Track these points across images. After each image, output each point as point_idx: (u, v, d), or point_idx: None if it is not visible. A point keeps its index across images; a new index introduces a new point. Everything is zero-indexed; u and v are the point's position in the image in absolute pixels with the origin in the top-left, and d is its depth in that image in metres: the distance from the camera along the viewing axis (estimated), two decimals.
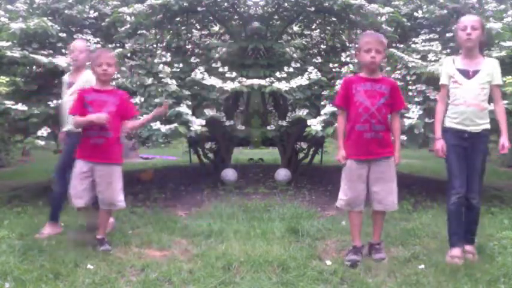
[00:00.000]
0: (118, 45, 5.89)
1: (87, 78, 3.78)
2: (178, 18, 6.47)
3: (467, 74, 3.16)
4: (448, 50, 5.31)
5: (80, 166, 3.38)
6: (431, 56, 5.25)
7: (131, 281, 2.79)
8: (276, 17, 6.52)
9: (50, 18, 5.78)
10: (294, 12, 6.28)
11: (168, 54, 5.75)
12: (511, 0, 6.32)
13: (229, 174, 5.97)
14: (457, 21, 3.29)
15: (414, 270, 2.93)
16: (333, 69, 5.75)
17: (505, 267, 2.93)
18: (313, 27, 6.99)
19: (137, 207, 4.82)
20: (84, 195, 3.38)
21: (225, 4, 6.06)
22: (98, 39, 5.82)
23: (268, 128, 5.98)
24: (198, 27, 6.87)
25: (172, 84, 5.26)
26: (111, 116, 3.33)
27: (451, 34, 5.59)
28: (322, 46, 6.91)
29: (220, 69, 5.71)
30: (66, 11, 6.08)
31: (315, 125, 4.94)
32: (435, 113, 3.31)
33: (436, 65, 4.83)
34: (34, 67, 5.53)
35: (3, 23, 5.55)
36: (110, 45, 5.79)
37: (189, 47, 6.60)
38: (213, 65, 5.89)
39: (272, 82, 5.47)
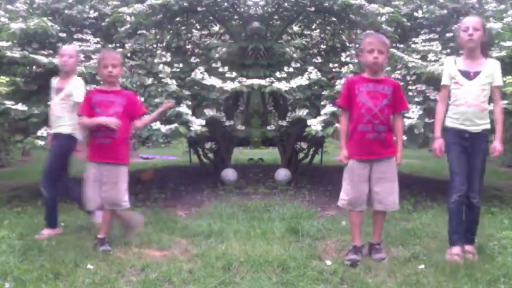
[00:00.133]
0: (118, 45, 5.89)
1: (76, 84, 3.81)
2: (178, 18, 6.47)
3: (468, 75, 3.17)
4: (448, 50, 5.31)
5: (92, 169, 3.41)
6: (431, 56, 5.25)
7: (131, 281, 2.78)
8: (276, 17, 6.52)
9: (50, 18, 5.78)
10: (294, 12, 6.28)
11: (168, 54, 5.75)
12: (511, 0, 6.31)
13: (229, 174, 5.97)
14: (458, 22, 3.31)
15: (414, 270, 2.93)
16: (333, 69, 5.75)
17: (505, 267, 2.93)
18: (313, 27, 6.99)
19: (137, 207, 4.82)
20: (98, 199, 3.40)
21: (225, 4, 6.06)
22: (98, 39, 5.82)
23: (268, 128, 5.98)
24: (198, 27, 6.87)
25: (172, 84, 5.26)
26: (118, 116, 3.36)
27: (451, 34, 5.59)
28: (322, 46, 6.91)
29: (220, 69, 5.71)
30: (66, 11, 6.08)
31: (315, 125, 4.94)
32: (435, 113, 3.33)
33: (436, 65, 4.83)
34: (34, 67, 5.53)
35: (3, 23, 5.55)
36: (110, 45, 5.80)
37: (189, 47, 6.60)
38: (213, 65, 5.89)
39: (272, 82, 5.48)
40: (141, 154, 11.14)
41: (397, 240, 3.59)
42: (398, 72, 5.27)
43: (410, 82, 5.14)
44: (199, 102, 5.61)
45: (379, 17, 5.70)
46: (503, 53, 4.83)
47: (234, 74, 5.62)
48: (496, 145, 3.16)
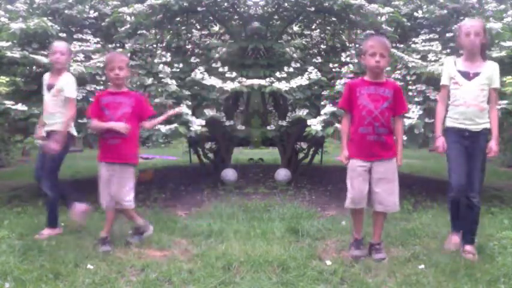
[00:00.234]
0: (118, 45, 5.89)
1: (67, 80, 3.81)
2: (178, 18, 6.47)
3: (467, 76, 3.21)
4: (448, 50, 5.31)
5: (103, 171, 3.47)
6: (431, 56, 5.25)
7: (131, 281, 2.78)
8: (276, 17, 6.52)
9: (50, 18, 5.77)
10: (294, 12, 6.28)
11: (168, 54, 5.75)
12: (511, 0, 6.31)
13: (229, 174, 5.96)
14: (458, 22, 3.34)
15: (414, 270, 2.93)
16: (333, 69, 5.75)
17: (505, 267, 2.94)
18: (313, 27, 6.98)
19: (137, 207, 4.78)
20: (109, 200, 3.44)
21: (225, 4, 6.06)
22: (98, 39, 5.82)
23: (268, 128, 5.98)
24: (198, 27, 6.86)
25: (172, 84, 5.26)
26: (127, 117, 3.42)
27: (451, 34, 5.59)
28: (322, 46, 6.91)
29: (220, 69, 5.71)
30: (66, 11, 6.08)
31: (315, 125, 4.94)
32: (436, 113, 3.38)
33: (436, 65, 4.84)
34: (34, 67, 5.53)
35: (3, 23, 5.55)
36: (110, 45, 5.80)
37: (189, 47, 6.60)
38: (213, 65, 5.89)
39: (272, 82, 5.47)
40: (141, 154, 11.12)
41: (397, 240, 3.59)
42: (398, 72, 5.27)
43: (410, 82, 5.14)
44: (199, 102, 5.62)
45: (379, 17, 5.70)
46: (503, 53, 4.84)
47: (234, 74, 5.62)
48: (492, 146, 3.19)
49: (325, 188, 5.91)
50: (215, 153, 7.00)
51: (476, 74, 3.20)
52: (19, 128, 5.19)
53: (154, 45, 6.24)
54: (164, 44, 6.44)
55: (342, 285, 2.76)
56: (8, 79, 4.90)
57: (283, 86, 5.36)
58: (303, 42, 6.75)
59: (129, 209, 3.52)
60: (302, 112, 5.44)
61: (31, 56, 5.01)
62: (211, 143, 7.01)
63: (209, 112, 5.46)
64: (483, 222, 3.92)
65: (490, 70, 3.21)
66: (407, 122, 4.64)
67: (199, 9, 5.98)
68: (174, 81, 5.33)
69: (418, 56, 5.33)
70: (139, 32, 5.83)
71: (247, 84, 5.46)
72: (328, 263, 3.06)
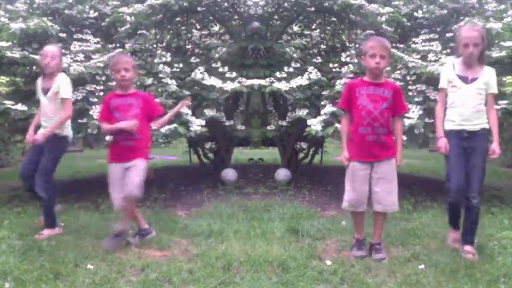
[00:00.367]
0: (118, 45, 5.89)
1: (62, 81, 3.81)
2: (178, 18, 6.47)
3: (466, 80, 3.27)
4: (448, 50, 5.31)
5: (114, 170, 3.48)
6: (431, 56, 5.25)
7: (131, 281, 2.79)
8: (276, 17, 6.52)
9: (50, 18, 5.77)
10: (294, 12, 6.28)
11: (168, 54, 5.75)
12: (511, 0, 6.31)
13: (229, 174, 5.96)
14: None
15: (414, 270, 2.94)
16: (333, 69, 5.75)
17: (505, 267, 2.94)
18: (313, 27, 6.98)
19: (137, 207, 4.80)
20: (122, 199, 3.43)
21: (225, 4, 6.06)
22: (98, 39, 5.82)
23: (268, 128, 5.98)
24: (198, 27, 6.86)
25: (172, 84, 5.26)
26: (137, 118, 3.45)
27: (451, 34, 5.59)
28: (322, 46, 6.90)
29: (220, 69, 5.71)
30: (66, 11, 6.07)
31: (315, 125, 4.94)
32: (435, 114, 3.41)
33: (436, 65, 4.84)
34: (34, 67, 5.53)
35: (3, 23, 5.55)
36: (110, 45, 5.80)
37: (189, 47, 6.60)
38: (213, 65, 5.89)
39: (272, 82, 5.47)
40: None
41: (397, 240, 3.59)
42: (398, 72, 5.27)
43: (410, 82, 5.14)
44: (199, 102, 5.61)
45: (379, 17, 5.70)
46: (503, 53, 4.84)
47: (234, 74, 5.62)
48: (495, 148, 3.22)
49: (325, 188, 5.91)
50: (215, 153, 6.99)
51: (474, 79, 3.26)
52: (19, 128, 5.18)
53: (154, 45, 6.24)
54: (164, 44, 6.44)
55: (342, 285, 2.76)
56: (8, 79, 4.90)
57: (283, 86, 5.36)
58: (303, 42, 6.74)
59: (133, 202, 3.48)
60: (302, 112, 5.44)
61: (31, 56, 5.01)
62: (211, 143, 7.00)
63: (209, 112, 5.46)
64: (483, 222, 3.92)
65: (487, 76, 3.28)
66: (407, 122, 4.64)
67: (199, 9, 5.98)
68: (174, 81, 5.33)
69: (418, 56, 5.33)
70: (139, 32, 5.83)
71: (247, 84, 5.46)
72: (328, 263, 3.06)
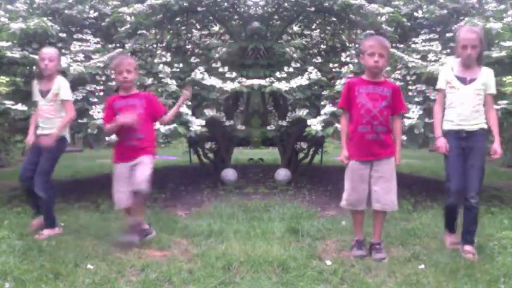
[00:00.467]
0: (118, 45, 5.88)
1: (61, 83, 3.83)
2: (178, 18, 6.46)
3: (464, 81, 3.28)
4: (448, 50, 5.31)
5: (120, 170, 3.51)
6: (431, 56, 5.25)
7: (131, 281, 2.78)
8: (276, 17, 6.52)
9: (50, 18, 5.77)
10: (294, 12, 6.28)
11: (168, 54, 5.74)
12: (511, 0, 6.31)
13: (229, 174, 5.96)
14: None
15: (414, 270, 2.93)
16: (333, 69, 5.75)
17: (505, 267, 2.94)
18: (313, 27, 6.98)
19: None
20: (127, 197, 3.46)
21: (225, 4, 6.05)
22: (98, 39, 5.81)
23: (268, 128, 5.98)
24: (198, 27, 6.86)
25: (172, 84, 5.26)
26: (141, 118, 3.48)
27: (451, 34, 5.58)
28: (322, 46, 6.90)
29: (220, 69, 5.71)
30: (66, 11, 6.07)
31: (315, 125, 4.94)
32: (434, 114, 3.43)
33: (436, 65, 4.84)
34: (34, 67, 5.52)
35: (3, 23, 5.54)
36: (110, 45, 5.79)
37: (189, 47, 6.60)
38: (213, 65, 5.89)
39: (272, 82, 5.47)
40: None
41: (397, 240, 3.59)
42: (398, 72, 5.27)
43: (410, 82, 5.14)
44: (199, 102, 5.61)
45: (379, 17, 5.70)
46: (503, 53, 4.83)
47: (234, 74, 5.62)
48: (496, 148, 3.23)
49: (325, 188, 5.91)
50: (215, 153, 6.99)
51: (473, 80, 3.27)
52: (19, 128, 5.19)
53: (154, 45, 6.24)
54: (164, 44, 6.44)
55: (342, 285, 2.76)
56: (8, 79, 4.90)
57: (283, 86, 5.36)
58: (303, 42, 6.74)
59: (143, 198, 3.49)
60: (302, 112, 5.44)
61: (31, 56, 5.00)
62: (211, 143, 7.00)
63: (209, 112, 5.46)
64: (483, 222, 3.93)
65: (485, 77, 3.28)
66: (407, 122, 4.64)
67: (199, 9, 5.98)
68: (174, 81, 5.33)
69: (418, 56, 5.33)
70: (139, 32, 5.83)
71: (247, 84, 5.46)
72: (328, 263, 3.06)
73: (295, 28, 6.97)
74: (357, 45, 5.85)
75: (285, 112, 6.18)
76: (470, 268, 2.92)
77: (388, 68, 5.29)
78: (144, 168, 3.42)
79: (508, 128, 5.27)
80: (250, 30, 5.99)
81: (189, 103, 5.28)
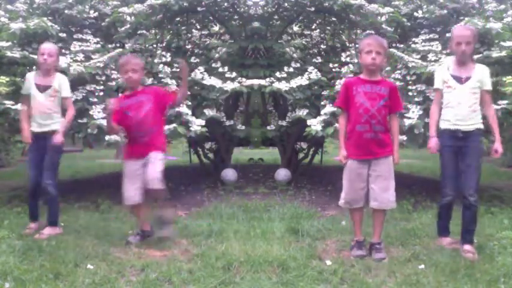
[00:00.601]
0: (118, 45, 5.89)
1: (62, 80, 3.87)
2: (178, 18, 6.47)
3: (460, 80, 3.30)
4: (448, 50, 5.30)
5: (131, 167, 3.52)
6: (431, 56, 5.25)
7: (131, 281, 2.78)
8: (276, 17, 6.52)
9: (50, 18, 5.76)
10: (294, 12, 6.28)
11: (168, 54, 5.75)
12: (511, 0, 6.31)
13: (229, 174, 5.96)
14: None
15: (414, 270, 2.93)
16: (333, 69, 5.76)
17: (505, 267, 2.93)
18: (313, 27, 6.99)
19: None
20: (137, 194, 3.48)
21: (225, 4, 6.06)
22: (98, 39, 5.81)
23: (268, 128, 5.99)
24: (198, 27, 6.87)
25: (172, 84, 5.26)
26: (151, 113, 3.51)
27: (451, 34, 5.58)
28: (322, 46, 6.91)
29: (220, 69, 5.72)
30: (66, 11, 6.07)
31: (315, 125, 4.94)
32: (430, 114, 3.47)
33: (436, 65, 4.83)
34: (34, 67, 5.52)
35: (3, 23, 5.54)
36: (109, 45, 5.79)
37: (189, 47, 6.61)
38: (213, 65, 5.90)
39: (272, 82, 5.48)
40: None
41: (397, 240, 3.59)
42: (398, 72, 5.27)
43: (410, 82, 5.14)
44: (199, 102, 5.61)
45: (379, 17, 5.70)
46: (503, 53, 4.83)
47: (234, 74, 5.62)
48: (497, 147, 3.25)
49: (325, 188, 5.91)
50: (215, 153, 7.00)
51: (468, 78, 3.28)
52: (19, 128, 5.17)
53: (154, 45, 6.24)
54: (164, 44, 6.44)
55: (342, 285, 2.76)
56: (8, 79, 4.89)
57: (283, 86, 5.36)
58: (303, 42, 6.75)
59: (159, 195, 3.51)
60: (302, 112, 5.45)
61: (31, 56, 5.00)
62: (211, 143, 7.01)
63: (209, 112, 5.46)
64: (483, 222, 3.93)
65: (480, 73, 3.30)
66: (407, 122, 4.64)
67: (199, 9, 5.98)
68: (174, 81, 5.33)
69: (418, 56, 5.33)
70: (139, 32, 5.83)
71: (247, 84, 5.46)
72: (328, 263, 3.06)
73: (295, 28, 6.97)
74: (357, 45, 5.85)
75: (285, 112, 6.18)
76: (470, 268, 2.92)
77: (388, 68, 5.30)
78: (155, 165, 3.44)
79: (508, 128, 5.26)
80: (250, 30, 6.00)
81: (189, 103, 5.28)
